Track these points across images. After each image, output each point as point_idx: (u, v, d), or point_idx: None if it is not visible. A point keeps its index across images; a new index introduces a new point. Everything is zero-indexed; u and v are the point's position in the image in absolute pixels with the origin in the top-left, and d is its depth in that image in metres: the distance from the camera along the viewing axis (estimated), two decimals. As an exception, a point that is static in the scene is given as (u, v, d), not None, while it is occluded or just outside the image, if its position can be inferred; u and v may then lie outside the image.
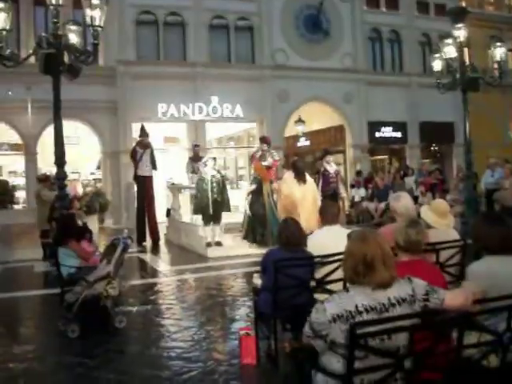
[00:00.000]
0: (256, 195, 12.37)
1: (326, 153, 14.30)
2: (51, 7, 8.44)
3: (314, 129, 26.33)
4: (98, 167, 23.63)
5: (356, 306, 2.67)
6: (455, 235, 5.26)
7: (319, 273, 4.82)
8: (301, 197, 11.07)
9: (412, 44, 26.13)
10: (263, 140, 13.63)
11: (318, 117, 25.47)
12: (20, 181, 20.94)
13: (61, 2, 8.43)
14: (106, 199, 19.55)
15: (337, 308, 2.68)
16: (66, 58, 8.48)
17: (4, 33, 8.38)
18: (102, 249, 8.19)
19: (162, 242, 14.63)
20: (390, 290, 2.72)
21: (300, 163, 12.00)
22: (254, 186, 12.45)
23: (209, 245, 11.95)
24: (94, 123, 21.59)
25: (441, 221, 5.10)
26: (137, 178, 14.34)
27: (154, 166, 14.22)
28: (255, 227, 12.28)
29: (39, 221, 11.78)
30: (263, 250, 11.35)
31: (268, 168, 12.80)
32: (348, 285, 2.88)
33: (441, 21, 24.55)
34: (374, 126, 25.01)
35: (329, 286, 4.79)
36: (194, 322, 6.83)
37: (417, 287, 2.80)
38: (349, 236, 2.96)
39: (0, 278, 9.44)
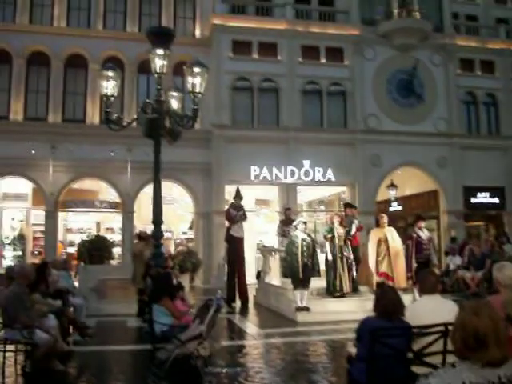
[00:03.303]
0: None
1: (418, 218, 14.02)
2: (155, 75, 8.92)
3: (407, 194, 25.90)
4: (191, 227, 24.18)
5: (463, 383, 2.52)
6: None
7: (417, 344, 4.63)
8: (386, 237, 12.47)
9: (509, 107, 25.47)
10: (350, 206, 14.41)
11: (410, 181, 25.09)
12: (116, 237, 21.77)
13: (164, 71, 8.90)
14: (198, 259, 19.86)
15: (442, 384, 2.54)
16: (167, 123, 8.85)
17: (112, 99, 8.93)
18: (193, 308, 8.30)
19: (250, 304, 14.62)
20: (501, 368, 2.56)
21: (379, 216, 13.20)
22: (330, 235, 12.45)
23: (298, 309, 11.79)
24: (189, 184, 22.33)
25: (549, 294, 4.79)
26: (228, 239, 14.54)
27: (245, 217, 14.47)
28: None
29: (137, 278, 12.05)
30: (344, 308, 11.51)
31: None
32: (453, 359, 2.74)
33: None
34: (470, 191, 24.29)
35: (427, 359, 4.58)
36: (283, 388, 6.70)
37: (530, 366, 2.62)
38: (462, 307, 2.84)
39: (94, 331, 9.71)
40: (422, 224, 13.45)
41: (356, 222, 13.92)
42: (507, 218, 25.00)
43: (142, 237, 13.14)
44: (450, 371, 2.62)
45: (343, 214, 14.24)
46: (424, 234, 13.20)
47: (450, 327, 3.27)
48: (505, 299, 3.47)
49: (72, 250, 20.88)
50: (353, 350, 5.02)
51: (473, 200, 24.47)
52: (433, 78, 24.57)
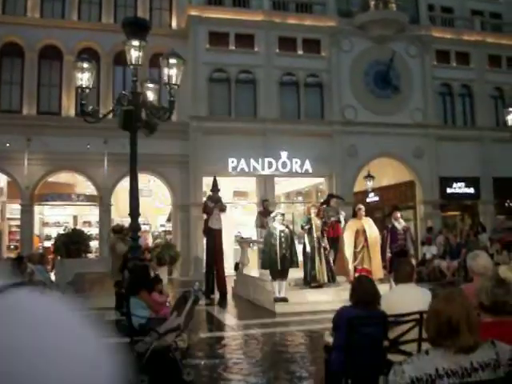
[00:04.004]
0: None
1: (394, 209, 14.19)
2: (131, 67, 8.85)
3: (384, 184, 26.07)
4: (169, 219, 24.11)
5: (436, 370, 2.56)
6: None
7: (393, 332, 4.69)
8: (364, 228, 12.50)
9: (484, 98, 25.75)
10: (334, 197, 14.53)
11: (387, 172, 25.27)
12: (93, 231, 21.60)
13: (140, 62, 8.83)
14: (176, 251, 19.86)
15: (416, 370, 2.58)
16: (143, 115, 8.80)
17: (87, 91, 8.84)
18: (171, 301, 8.29)
19: (229, 296, 14.64)
20: (473, 353, 2.61)
21: (357, 207, 13.18)
22: (307, 227, 12.50)
23: (276, 300, 11.85)
24: (166, 176, 22.23)
25: (522, 281, 4.88)
26: (206, 231, 14.52)
27: (223, 208, 14.40)
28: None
29: (113, 271, 12.00)
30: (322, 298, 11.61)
31: (336, 222, 13.81)
32: (427, 346, 2.78)
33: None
34: (446, 181, 24.54)
35: (403, 347, 4.64)
36: (261, 379, 6.73)
37: (501, 351, 2.66)
38: (435, 295, 2.88)
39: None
40: (398, 214, 13.59)
41: (343, 212, 14.09)
42: (482, 208, 25.33)
43: (115, 230, 13.06)
44: (424, 358, 2.66)
45: (321, 205, 14.34)
46: (399, 225, 13.32)
47: (424, 315, 3.32)
48: (477, 287, 3.52)
49: (49, 243, 20.70)
50: (330, 340, 5.06)
51: (449, 190, 24.73)
52: (409, 70, 24.73)
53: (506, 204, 26.43)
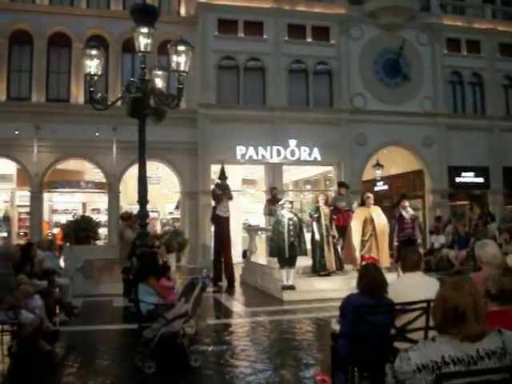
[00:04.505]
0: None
1: (402, 198, 14.15)
2: (139, 54, 8.82)
3: (393, 173, 25.98)
4: (177, 207, 24.17)
5: (442, 357, 2.56)
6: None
7: (400, 320, 4.70)
8: (372, 217, 12.51)
9: (494, 87, 25.53)
10: (344, 185, 14.51)
11: (396, 161, 25.18)
12: (102, 218, 21.67)
13: (149, 49, 8.80)
14: (184, 239, 19.93)
15: (422, 357, 2.58)
16: (151, 102, 8.79)
17: (95, 78, 8.83)
18: (178, 288, 8.33)
19: (237, 283, 14.70)
20: (480, 342, 2.61)
21: (365, 196, 13.08)
22: (316, 215, 12.48)
23: (284, 288, 11.88)
24: (175, 164, 22.25)
25: (530, 271, 4.86)
26: (214, 218, 14.55)
27: (230, 197, 14.45)
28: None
29: (121, 258, 12.05)
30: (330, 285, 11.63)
31: (346, 211, 13.84)
32: (434, 334, 2.78)
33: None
34: (455, 170, 24.41)
35: (409, 335, 4.65)
36: (268, 365, 6.76)
37: (508, 340, 2.66)
38: (443, 283, 2.88)
39: (80, 311, 9.75)
40: (406, 203, 13.55)
41: (358, 200, 14.06)
42: (491, 198, 25.21)
43: (123, 217, 13.08)
44: (430, 345, 2.67)
45: (328, 193, 14.35)
46: (407, 214, 13.29)
47: (432, 304, 3.32)
48: (485, 275, 3.52)
49: (58, 230, 20.80)
50: (336, 327, 5.08)
51: (458, 179, 24.60)
52: (419, 58, 24.53)
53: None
